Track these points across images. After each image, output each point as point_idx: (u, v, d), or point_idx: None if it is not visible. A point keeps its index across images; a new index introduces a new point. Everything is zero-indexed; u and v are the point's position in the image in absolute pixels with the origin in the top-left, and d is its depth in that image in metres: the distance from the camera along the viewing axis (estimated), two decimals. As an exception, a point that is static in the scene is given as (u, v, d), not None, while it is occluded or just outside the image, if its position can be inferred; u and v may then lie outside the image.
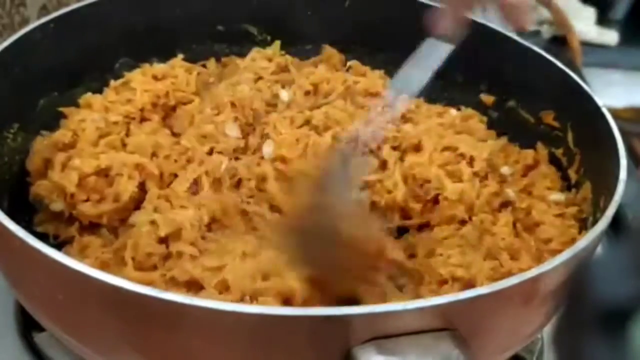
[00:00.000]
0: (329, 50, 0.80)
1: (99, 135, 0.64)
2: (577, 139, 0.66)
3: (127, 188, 0.60)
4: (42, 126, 0.66)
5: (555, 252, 0.55)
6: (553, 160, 0.69)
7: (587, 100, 0.63)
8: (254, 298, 0.52)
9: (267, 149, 0.66)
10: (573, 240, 0.58)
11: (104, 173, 0.61)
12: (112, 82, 0.70)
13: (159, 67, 0.72)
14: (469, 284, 0.55)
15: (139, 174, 0.61)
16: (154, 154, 0.63)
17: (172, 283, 0.54)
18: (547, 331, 0.62)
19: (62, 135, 0.63)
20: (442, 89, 0.78)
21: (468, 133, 0.69)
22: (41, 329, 0.58)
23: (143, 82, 0.69)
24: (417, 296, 0.55)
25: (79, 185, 0.60)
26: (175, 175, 0.63)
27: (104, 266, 0.55)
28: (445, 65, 0.75)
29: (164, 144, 0.64)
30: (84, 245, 0.59)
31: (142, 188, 0.62)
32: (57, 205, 0.60)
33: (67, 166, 0.61)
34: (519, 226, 0.61)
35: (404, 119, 0.70)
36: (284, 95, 0.72)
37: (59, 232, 0.62)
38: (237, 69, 0.75)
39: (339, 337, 0.42)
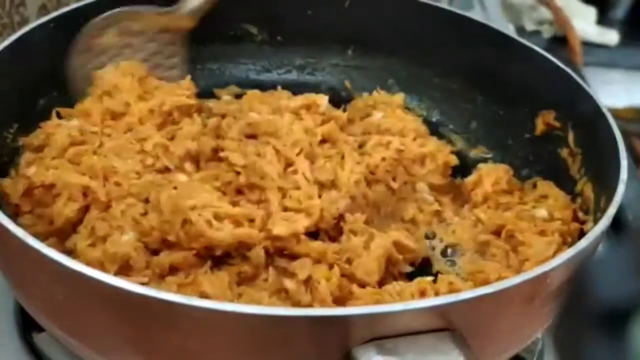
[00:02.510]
0: None
1: (70, 143, 0.61)
2: (578, 139, 0.66)
3: (62, 212, 0.57)
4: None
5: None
6: (555, 162, 0.68)
7: (588, 100, 0.63)
8: None
9: None
10: (547, 259, 0.57)
11: (51, 188, 0.58)
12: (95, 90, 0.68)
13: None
14: None
15: (84, 197, 0.58)
16: (105, 178, 0.60)
17: None
18: (548, 331, 0.62)
19: (34, 136, 0.62)
20: (442, 90, 0.78)
21: None
22: (41, 330, 0.58)
23: (131, 90, 0.67)
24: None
25: (26, 196, 0.58)
26: None
27: None
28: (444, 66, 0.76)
29: (120, 168, 0.60)
30: None
31: (86, 210, 0.59)
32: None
33: (20, 173, 0.59)
34: (511, 255, 0.61)
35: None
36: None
37: None
38: None
39: (339, 337, 0.42)
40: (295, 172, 0.62)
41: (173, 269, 0.55)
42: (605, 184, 0.58)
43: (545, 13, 1.17)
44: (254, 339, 0.43)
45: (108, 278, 0.41)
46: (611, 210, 0.52)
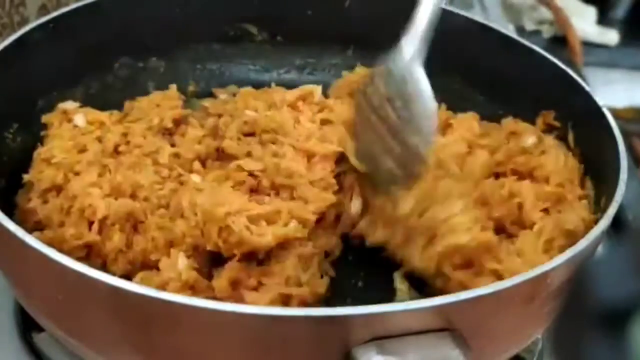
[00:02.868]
0: None
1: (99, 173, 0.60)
2: (578, 139, 0.66)
3: (117, 246, 0.55)
4: (42, 126, 0.66)
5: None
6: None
7: (588, 100, 0.63)
8: None
9: None
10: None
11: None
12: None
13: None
14: None
15: (128, 221, 0.57)
16: (133, 195, 0.59)
17: None
18: (548, 331, 0.62)
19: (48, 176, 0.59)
20: (442, 90, 0.78)
21: None
22: (40, 329, 0.58)
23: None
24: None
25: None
26: None
27: None
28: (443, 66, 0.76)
29: (144, 182, 0.59)
30: None
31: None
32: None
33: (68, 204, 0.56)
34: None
35: None
36: None
37: None
38: None
39: (339, 337, 0.42)
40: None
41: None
42: (605, 184, 0.58)
43: (545, 13, 1.17)
44: (254, 339, 0.43)
45: (108, 278, 0.41)
46: (611, 211, 0.52)
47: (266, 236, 0.54)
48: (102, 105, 0.70)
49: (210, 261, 0.56)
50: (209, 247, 0.54)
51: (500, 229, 0.60)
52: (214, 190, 0.58)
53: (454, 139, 0.66)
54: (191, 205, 0.56)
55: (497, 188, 0.61)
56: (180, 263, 0.54)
